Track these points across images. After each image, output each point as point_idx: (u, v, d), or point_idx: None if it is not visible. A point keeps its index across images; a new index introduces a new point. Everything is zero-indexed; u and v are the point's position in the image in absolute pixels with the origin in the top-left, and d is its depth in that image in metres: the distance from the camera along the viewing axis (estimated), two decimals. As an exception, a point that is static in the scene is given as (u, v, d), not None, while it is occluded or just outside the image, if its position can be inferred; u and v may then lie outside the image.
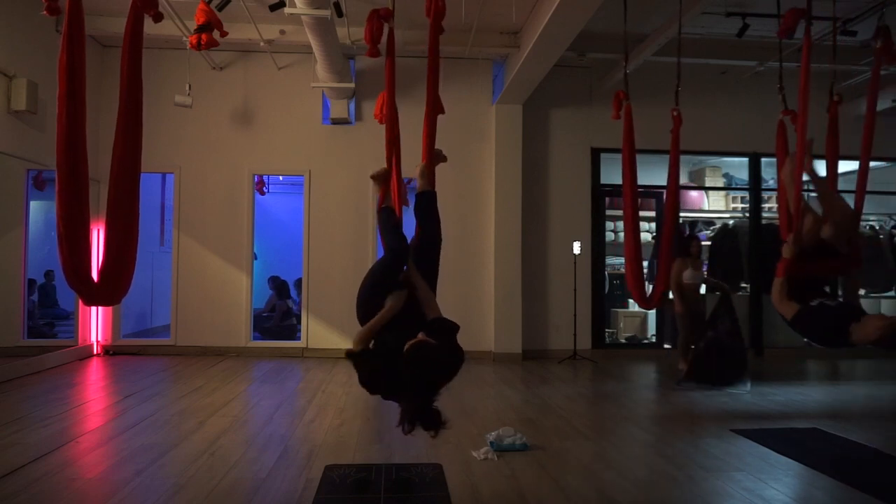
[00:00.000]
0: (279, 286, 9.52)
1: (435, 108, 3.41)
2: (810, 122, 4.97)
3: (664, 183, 8.76)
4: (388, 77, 3.50)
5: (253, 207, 8.12)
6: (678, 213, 4.91)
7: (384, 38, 3.53)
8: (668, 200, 4.90)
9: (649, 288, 5.11)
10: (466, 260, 8.07)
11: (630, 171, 4.72)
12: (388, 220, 3.23)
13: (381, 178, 3.34)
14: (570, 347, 7.96)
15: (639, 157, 4.84)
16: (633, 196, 4.74)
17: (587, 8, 5.35)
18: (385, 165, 3.38)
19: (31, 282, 7.31)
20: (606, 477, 3.55)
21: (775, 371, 7.37)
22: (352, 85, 7.68)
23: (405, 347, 2.65)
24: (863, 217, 5.06)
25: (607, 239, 8.99)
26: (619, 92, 4.83)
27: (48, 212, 7.14)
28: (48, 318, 7.86)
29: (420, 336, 2.70)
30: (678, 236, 7.14)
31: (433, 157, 3.38)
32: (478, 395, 5.69)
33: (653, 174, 7.57)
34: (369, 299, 2.98)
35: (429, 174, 3.32)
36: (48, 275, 7.84)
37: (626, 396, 5.95)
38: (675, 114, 4.87)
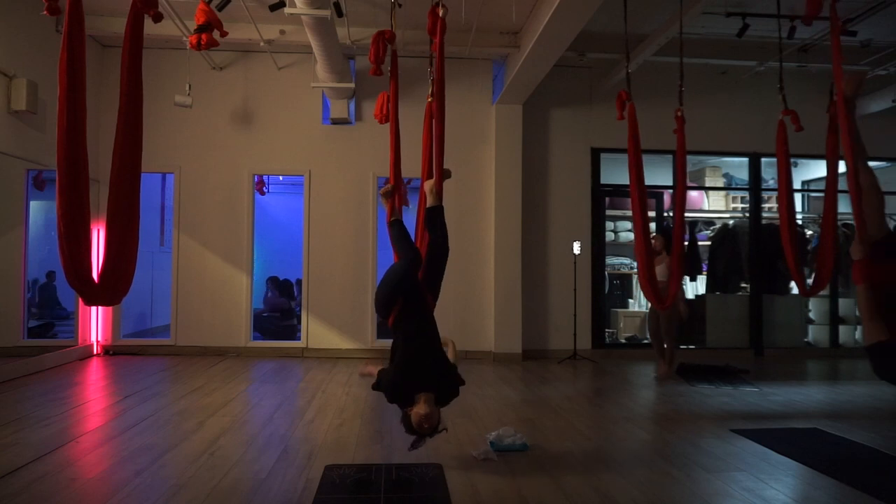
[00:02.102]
0: (282, 285, 9.52)
1: (442, 129, 3.65)
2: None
3: (664, 182, 8.87)
4: (393, 97, 3.70)
5: (253, 207, 8.12)
6: (684, 212, 4.89)
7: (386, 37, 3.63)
8: (677, 200, 4.90)
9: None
10: (466, 260, 8.06)
11: (636, 170, 4.71)
12: (401, 233, 3.65)
13: (389, 195, 3.79)
14: (570, 347, 7.96)
15: (639, 157, 4.83)
16: (641, 195, 4.73)
17: (587, 8, 5.36)
18: (388, 174, 3.83)
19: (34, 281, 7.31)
20: (606, 477, 3.54)
21: (775, 371, 7.37)
22: (352, 85, 7.66)
23: (408, 412, 3.23)
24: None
25: (607, 239, 8.99)
26: (622, 92, 4.83)
27: (48, 212, 7.14)
28: (48, 318, 7.85)
29: (424, 405, 3.20)
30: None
31: (441, 175, 3.71)
32: (478, 395, 5.69)
33: (652, 174, 7.55)
34: (388, 302, 3.50)
35: (437, 191, 3.66)
36: (49, 275, 7.83)
37: (626, 396, 5.95)
38: (678, 114, 4.84)
